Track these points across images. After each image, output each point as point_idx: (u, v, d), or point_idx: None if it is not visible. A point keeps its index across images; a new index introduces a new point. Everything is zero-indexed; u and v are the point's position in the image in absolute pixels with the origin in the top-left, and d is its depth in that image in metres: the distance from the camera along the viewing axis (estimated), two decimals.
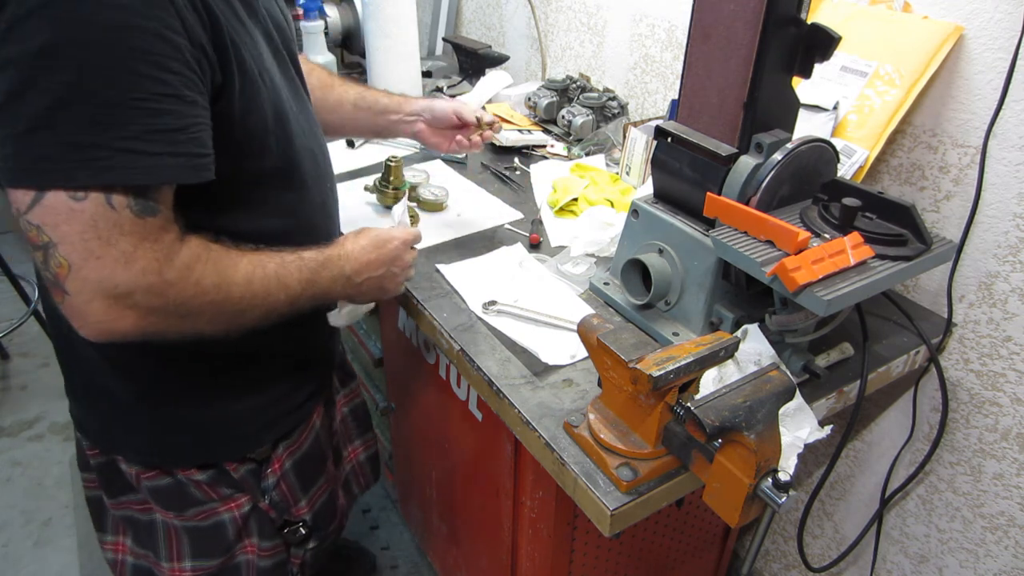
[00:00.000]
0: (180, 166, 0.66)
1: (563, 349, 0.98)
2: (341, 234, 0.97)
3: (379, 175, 1.31)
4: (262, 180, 0.81)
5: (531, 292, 1.09)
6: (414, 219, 1.27)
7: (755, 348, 0.86)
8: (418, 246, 1.21)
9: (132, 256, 0.65)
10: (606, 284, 1.10)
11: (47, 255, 0.64)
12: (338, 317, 0.98)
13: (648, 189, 1.04)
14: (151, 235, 0.66)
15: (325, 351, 1.07)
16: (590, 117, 1.61)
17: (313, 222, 0.92)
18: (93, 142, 0.61)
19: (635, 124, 1.43)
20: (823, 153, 0.91)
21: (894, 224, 0.86)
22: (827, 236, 0.84)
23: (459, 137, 1.20)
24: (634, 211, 1.02)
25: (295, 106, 0.87)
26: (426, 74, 1.99)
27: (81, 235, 0.63)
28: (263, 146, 0.79)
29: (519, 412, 0.88)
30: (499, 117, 1.69)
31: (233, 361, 0.92)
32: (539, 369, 0.95)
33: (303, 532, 1.12)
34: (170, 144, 0.64)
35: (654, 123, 1.31)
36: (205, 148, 0.68)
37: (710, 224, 0.91)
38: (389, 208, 1.32)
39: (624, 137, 1.43)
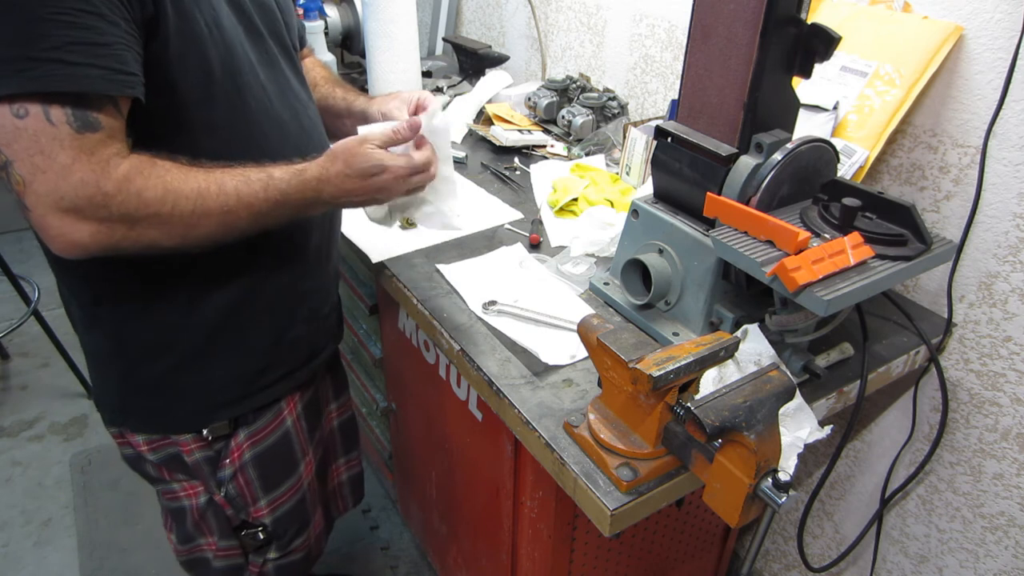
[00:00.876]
0: (104, 78, 0.68)
1: (563, 349, 0.97)
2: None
3: None
4: (212, 130, 0.83)
5: (531, 292, 1.09)
6: (411, 222, 1.26)
7: (755, 348, 0.86)
8: (420, 245, 1.21)
9: (70, 169, 0.68)
10: (606, 284, 1.10)
11: (8, 174, 0.68)
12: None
13: (648, 189, 1.04)
14: (88, 149, 0.69)
15: (304, 341, 1.05)
16: (590, 117, 1.61)
17: None
18: (17, 54, 0.64)
19: (635, 124, 1.43)
20: (823, 153, 0.91)
21: (894, 224, 0.86)
22: (827, 236, 0.84)
23: None
24: (634, 211, 1.02)
25: (265, 73, 0.89)
26: (426, 74, 1.99)
27: (27, 151, 0.67)
28: (210, 94, 0.80)
29: (519, 412, 0.88)
30: (499, 117, 1.70)
31: (198, 323, 0.92)
32: (539, 369, 0.95)
33: (261, 537, 1.10)
34: (92, 56, 0.67)
35: (654, 123, 1.31)
36: (129, 67, 0.70)
37: (710, 224, 0.91)
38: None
39: (624, 137, 1.43)
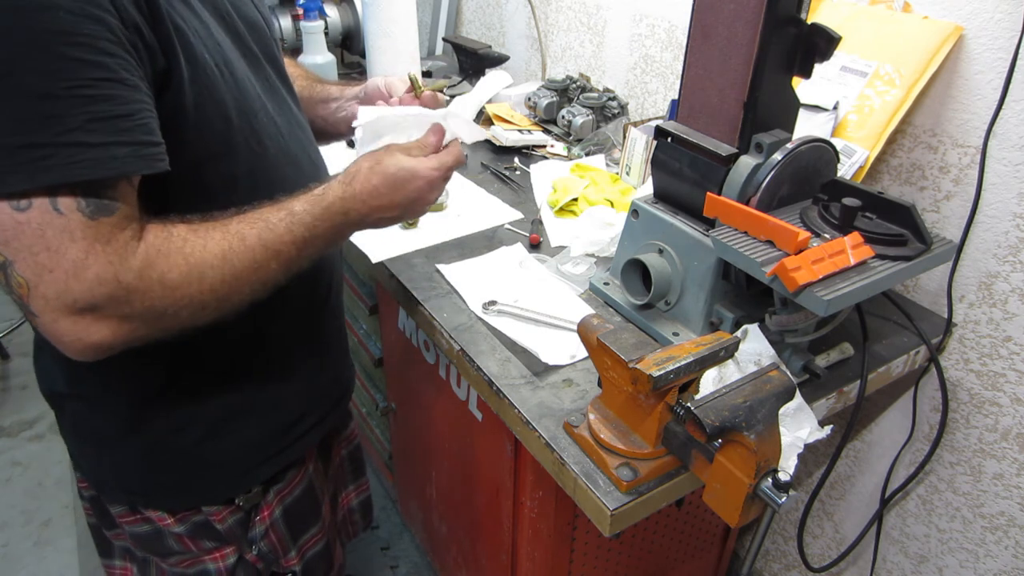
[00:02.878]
0: (130, 156, 0.59)
1: (563, 349, 0.97)
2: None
3: None
4: (233, 185, 0.75)
5: (531, 292, 1.09)
6: (412, 222, 1.26)
7: (755, 348, 0.86)
8: (420, 245, 1.21)
9: (83, 264, 0.58)
10: (606, 284, 1.10)
11: (7, 276, 0.58)
12: None
13: (648, 189, 1.04)
14: (103, 237, 0.59)
15: (343, 373, 1.01)
16: (590, 117, 1.61)
17: None
18: (26, 142, 0.55)
19: (635, 124, 1.43)
20: (823, 153, 0.91)
21: (894, 224, 0.86)
22: (827, 236, 0.84)
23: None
24: (634, 211, 1.02)
25: (272, 107, 0.81)
26: (426, 74, 1.99)
27: (30, 249, 0.57)
28: (229, 145, 0.73)
29: (519, 412, 0.88)
30: (499, 117, 1.70)
31: (228, 383, 0.85)
32: (539, 369, 0.95)
33: None
34: (116, 132, 0.58)
35: (654, 123, 1.31)
36: (155, 136, 0.62)
37: (710, 224, 0.91)
38: None
39: (624, 137, 1.43)
